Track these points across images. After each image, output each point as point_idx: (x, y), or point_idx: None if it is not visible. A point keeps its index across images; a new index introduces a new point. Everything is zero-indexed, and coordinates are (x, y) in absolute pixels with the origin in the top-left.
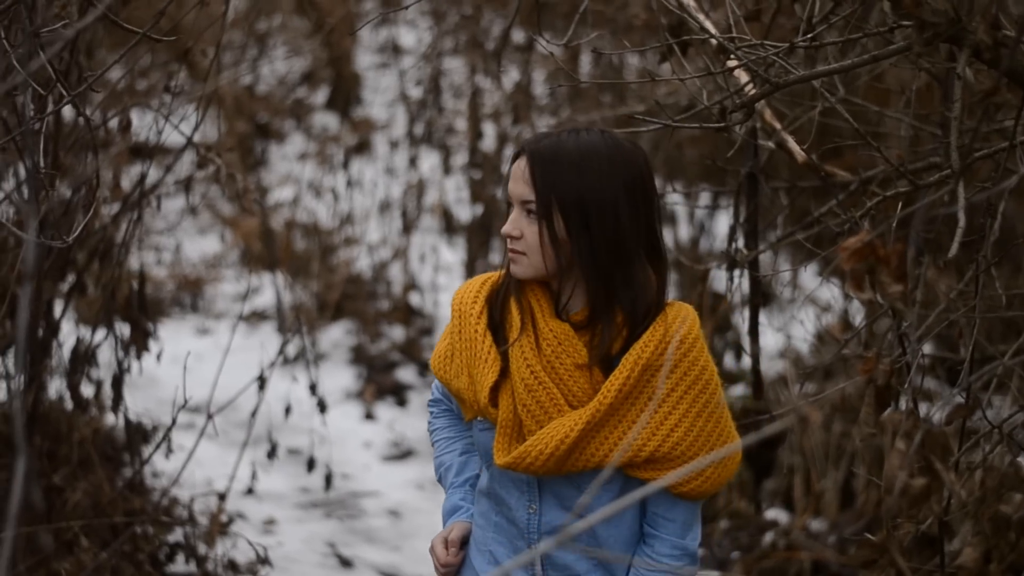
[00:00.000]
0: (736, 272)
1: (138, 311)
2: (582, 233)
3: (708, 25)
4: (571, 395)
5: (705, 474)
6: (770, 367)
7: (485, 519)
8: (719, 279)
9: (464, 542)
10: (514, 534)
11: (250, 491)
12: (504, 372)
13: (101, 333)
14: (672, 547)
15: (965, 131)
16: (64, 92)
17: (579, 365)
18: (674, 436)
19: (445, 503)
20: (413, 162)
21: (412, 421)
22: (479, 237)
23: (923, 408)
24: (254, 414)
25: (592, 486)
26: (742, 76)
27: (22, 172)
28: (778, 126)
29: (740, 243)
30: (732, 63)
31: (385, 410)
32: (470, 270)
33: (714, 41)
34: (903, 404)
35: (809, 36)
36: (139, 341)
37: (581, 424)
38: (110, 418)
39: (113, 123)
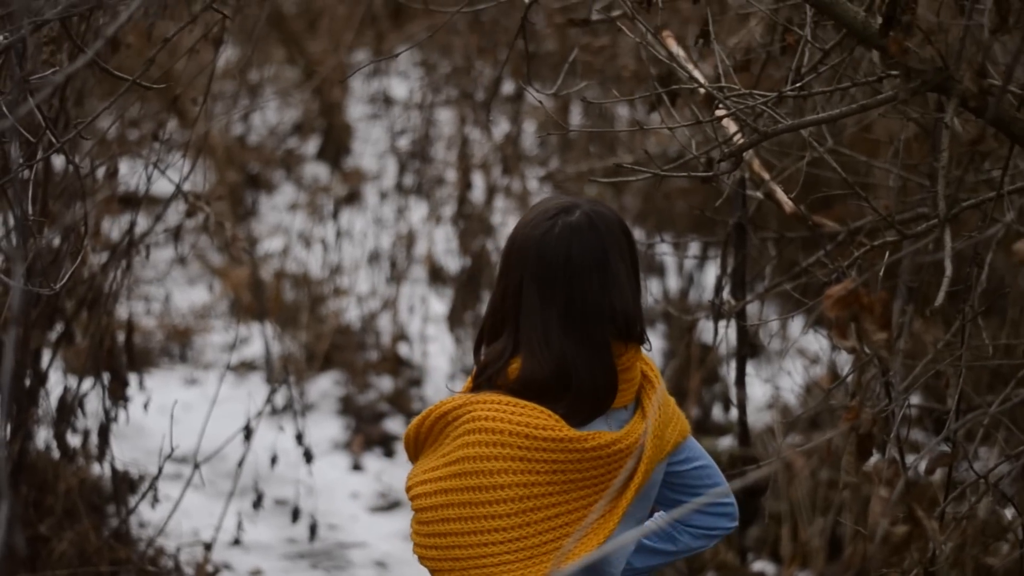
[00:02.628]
0: (723, 323)
1: (118, 360)
2: None
3: (697, 75)
4: None
5: (423, 546)
6: (758, 419)
7: None
8: (708, 331)
9: None
10: None
11: (236, 542)
12: None
13: (88, 382)
14: None
15: (952, 180)
16: (53, 139)
17: None
18: (417, 486)
19: None
20: (401, 212)
21: (400, 472)
22: (467, 289)
23: (909, 458)
24: (240, 464)
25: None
26: (730, 126)
27: (10, 219)
28: (766, 176)
29: (727, 294)
30: (720, 112)
31: (373, 461)
32: (455, 322)
33: (703, 91)
34: (888, 453)
35: (797, 85)
36: (117, 391)
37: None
38: (97, 468)
39: (101, 171)
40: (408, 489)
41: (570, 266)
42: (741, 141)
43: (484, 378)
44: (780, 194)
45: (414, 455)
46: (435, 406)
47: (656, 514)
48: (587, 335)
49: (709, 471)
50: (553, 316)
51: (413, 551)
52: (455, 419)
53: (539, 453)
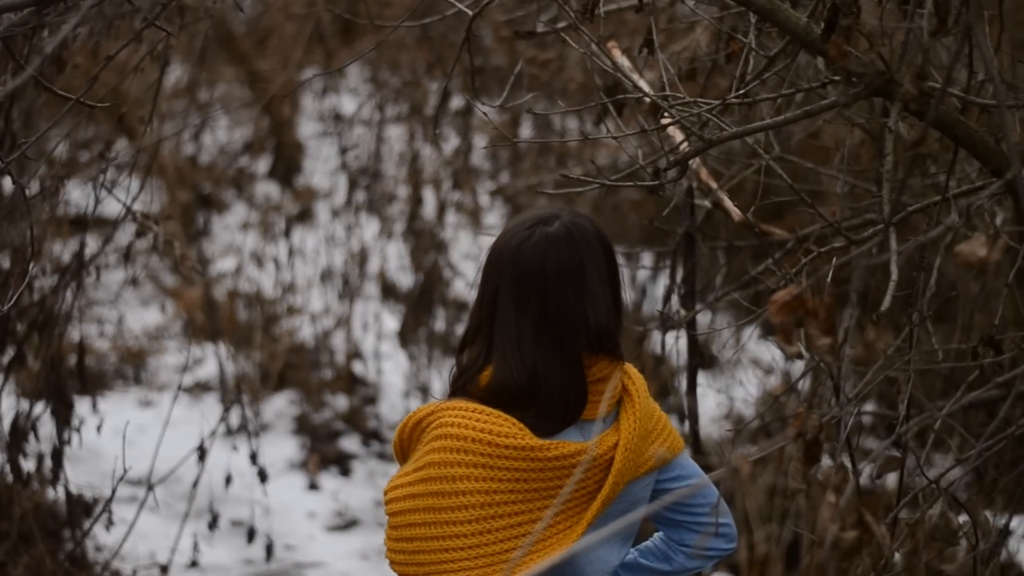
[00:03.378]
0: (672, 333)
1: (65, 383)
2: None
3: (642, 84)
4: None
5: (393, 550)
6: (712, 429)
7: None
8: (660, 342)
9: None
10: None
11: (193, 563)
12: None
13: (41, 406)
14: None
15: (896, 184)
16: None
17: None
18: (391, 491)
19: None
20: (353, 230)
21: (356, 491)
22: (420, 305)
23: (861, 465)
24: (195, 485)
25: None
26: (677, 134)
27: None
28: (714, 185)
29: (676, 304)
30: (665, 121)
31: (329, 480)
32: (407, 339)
33: (649, 101)
34: (838, 459)
35: (741, 92)
36: (63, 414)
37: None
38: (51, 492)
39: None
40: (384, 494)
41: (544, 275)
42: (687, 149)
43: (459, 385)
44: (728, 203)
45: (402, 463)
46: (412, 413)
47: (655, 535)
48: (559, 345)
49: (703, 490)
50: (526, 325)
51: (385, 556)
52: (427, 426)
53: (501, 461)
